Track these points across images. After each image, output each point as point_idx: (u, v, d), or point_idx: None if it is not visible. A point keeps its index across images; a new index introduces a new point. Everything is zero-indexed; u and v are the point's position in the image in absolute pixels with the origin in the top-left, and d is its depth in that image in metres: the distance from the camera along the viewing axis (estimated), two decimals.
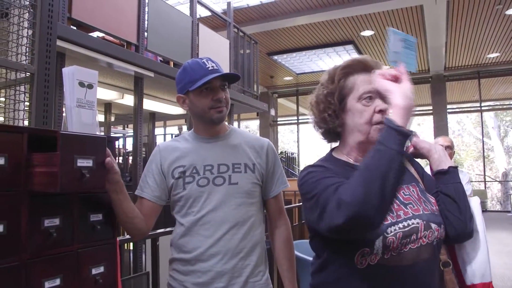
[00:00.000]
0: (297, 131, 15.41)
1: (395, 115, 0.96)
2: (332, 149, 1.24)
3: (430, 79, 12.12)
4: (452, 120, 20.34)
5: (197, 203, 1.41)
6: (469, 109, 14.87)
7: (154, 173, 1.46)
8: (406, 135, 0.95)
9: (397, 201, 1.07)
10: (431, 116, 12.49)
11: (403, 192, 1.11)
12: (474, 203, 1.20)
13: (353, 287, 1.05)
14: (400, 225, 1.03)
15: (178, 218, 1.46)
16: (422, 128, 23.48)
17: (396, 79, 1.02)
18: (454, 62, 11.24)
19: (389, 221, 1.02)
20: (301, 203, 4.24)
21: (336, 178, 1.03)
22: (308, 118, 15.97)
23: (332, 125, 1.14)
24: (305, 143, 19.35)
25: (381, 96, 1.04)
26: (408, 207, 1.08)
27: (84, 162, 1.10)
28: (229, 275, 1.37)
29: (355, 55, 9.48)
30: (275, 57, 10.85)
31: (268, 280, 1.49)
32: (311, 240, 1.19)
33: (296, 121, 15.05)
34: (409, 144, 1.26)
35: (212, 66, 1.43)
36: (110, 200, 1.28)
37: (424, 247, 1.05)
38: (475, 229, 1.17)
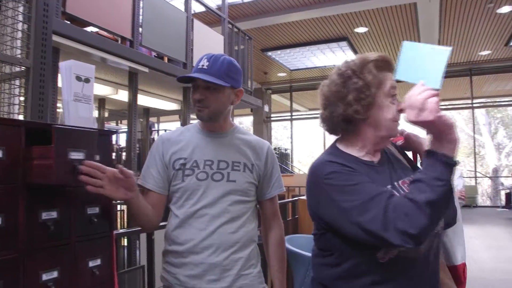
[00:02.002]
0: (291, 127, 15.43)
1: (448, 149, 0.97)
2: (336, 141, 1.23)
3: None
4: None
5: (194, 196, 1.42)
6: (461, 106, 14.97)
7: (157, 164, 1.47)
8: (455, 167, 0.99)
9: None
10: None
11: (407, 185, 1.12)
12: None
13: (373, 281, 1.07)
14: None
15: (173, 210, 1.46)
16: None
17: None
18: None
19: None
20: (294, 198, 4.26)
21: (374, 185, 1.06)
22: (302, 115, 16.11)
23: (362, 116, 1.11)
24: (298, 139, 19.39)
25: (439, 129, 0.98)
26: None
27: (75, 155, 1.11)
28: (220, 267, 1.38)
29: (349, 52, 9.40)
30: (269, 53, 10.84)
31: (260, 272, 1.51)
32: (321, 235, 1.17)
33: (289, 117, 15.06)
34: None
35: (202, 66, 1.41)
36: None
37: (433, 236, 1.11)
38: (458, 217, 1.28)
